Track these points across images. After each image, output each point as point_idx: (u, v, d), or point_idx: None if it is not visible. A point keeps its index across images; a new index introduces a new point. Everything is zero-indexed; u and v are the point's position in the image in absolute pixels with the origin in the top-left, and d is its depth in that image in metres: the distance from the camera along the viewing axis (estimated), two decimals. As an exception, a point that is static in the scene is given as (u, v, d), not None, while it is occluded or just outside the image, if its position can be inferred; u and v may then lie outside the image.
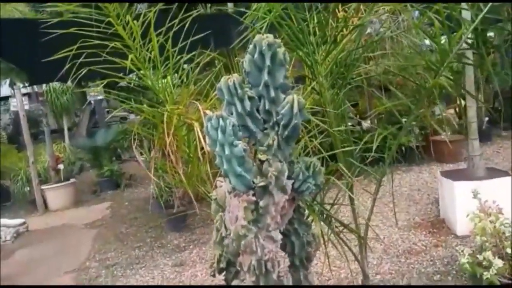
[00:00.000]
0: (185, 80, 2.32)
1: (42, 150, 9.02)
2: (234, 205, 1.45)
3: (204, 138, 1.79)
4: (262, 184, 1.44)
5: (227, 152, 1.39)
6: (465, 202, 3.32)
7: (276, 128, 1.50)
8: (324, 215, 1.87)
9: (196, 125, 1.85)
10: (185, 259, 4.45)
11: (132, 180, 8.66)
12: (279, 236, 1.56)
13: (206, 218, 5.68)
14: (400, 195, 5.37)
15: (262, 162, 1.48)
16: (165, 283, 3.92)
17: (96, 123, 12.23)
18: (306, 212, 1.84)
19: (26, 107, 8.35)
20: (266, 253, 1.46)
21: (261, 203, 1.44)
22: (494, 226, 2.73)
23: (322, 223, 1.89)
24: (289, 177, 1.49)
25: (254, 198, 1.44)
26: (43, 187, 7.63)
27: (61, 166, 7.80)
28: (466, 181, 3.83)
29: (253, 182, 1.47)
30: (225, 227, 1.58)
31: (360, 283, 2.06)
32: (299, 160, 1.58)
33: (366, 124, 6.25)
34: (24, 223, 6.48)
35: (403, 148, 6.68)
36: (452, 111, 7.88)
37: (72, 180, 8.10)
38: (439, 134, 6.71)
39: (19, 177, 7.94)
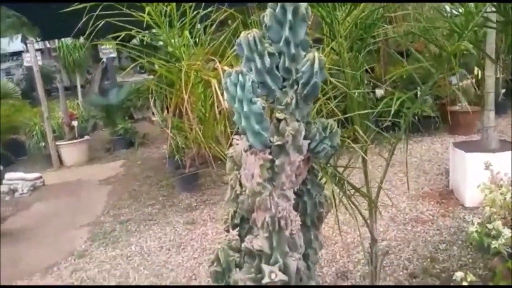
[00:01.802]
0: (200, 38, 2.29)
1: (56, 106, 9.15)
2: (250, 163, 1.48)
3: (222, 95, 1.79)
4: (278, 143, 1.46)
5: (245, 108, 1.40)
6: (476, 173, 3.32)
7: (295, 87, 1.49)
8: (337, 178, 1.90)
9: (214, 81, 1.85)
10: (196, 218, 4.58)
11: (146, 139, 8.77)
12: (293, 196, 1.60)
13: (217, 180, 5.79)
14: (410, 165, 5.37)
15: (279, 121, 1.49)
16: (177, 240, 4.06)
17: (108, 80, 12.26)
18: (320, 174, 1.86)
19: (39, 62, 8.37)
20: (280, 210, 1.49)
21: (277, 162, 1.46)
22: (505, 198, 2.74)
23: (334, 186, 1.92)
24: (305, 137, 1.50)
25: (270, 157, 1.46)
26: (58, 143, 7.79)
27: (75, 123, 7.92)
28: (478, 152, 3.81)
29: (270, 141, 1.48)
30: (240, 185, 1.62)
31: (367, 247, 2.12)
32: (316, 121, 1.59)
33: (380, 91, 6.17)
34: (40, 177, 6.67)
35: (417, 118, 6.62)
36: (469, 82, 7.71)
37: (86, 137, 8.24)
38: (454, 104, 6.61)
39: (34, 132, 8.10)
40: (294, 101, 1.49)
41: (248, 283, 1.52)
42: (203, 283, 3.21)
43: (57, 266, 3.78)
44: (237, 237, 1.65)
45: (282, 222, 1.50)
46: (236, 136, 1.62)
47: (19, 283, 3.53)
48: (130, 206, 5.22)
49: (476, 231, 2.18)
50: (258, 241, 1.53)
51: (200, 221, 4.51)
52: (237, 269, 1.57)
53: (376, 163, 4.18)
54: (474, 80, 7.50)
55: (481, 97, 5.26)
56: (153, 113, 9.81)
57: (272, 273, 1.49)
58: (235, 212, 1.69)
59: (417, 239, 3.49)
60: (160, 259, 3.69)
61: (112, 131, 8.70)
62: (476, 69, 6.85)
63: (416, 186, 4.65)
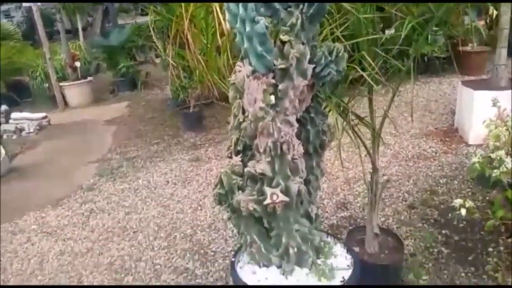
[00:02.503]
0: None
1: (58, 48, 8.98)
2: (253, 88, 1.46)
3: (224, 20, 1.73)
4: (282, 66, 1.43)
5: (248, 28, 1.36)
6: (483, 111, 3.28)
7: (301, 6, 1.44)
8: (341, 108, 1.88)
9: (216, 5, 1.78)
10: (201, 156, 4.66)
11: (149, 78, 8.69)
12: (296, 123, 1.60)
13: (221, 120, 5.81)
14: (416, 105, 5.33)
15: (283, 43, 1.44)
16: (182, 175, 4.16)
17: (109, 23, 11.97)
18: (324, 103, 1.84)
19: (39, 3, 8.10)
20: (282, 135, 1.50)
21: (280, 86, 1.45)
22: (509, 134, 2.73)
23: (338, 115, 1.91)
24: (310, 61, 1.46)
25: (273, 81, 1.44)
26: (61, 84, 7.76)
27: (77, 64, 7.82)
28: (486, 90, 3.75)
29: (274, 64, 1.45)
30: (243, 112, 1.62)
31: (368, 179, 2.15)
32: (322, 44, 1.55)
33: (389, 32, 5.95)
34: (46, 116, 6.72)
35: (426, 59, 6.46)
36: (482, 22, 7.41)
37: (89, 78, 8.18)
38: (466, 45, 6.40)
39: (37, 73, 8.03)
40: (299, 21, 1.43)
41: (250, 204, 1.57)
42: (208, 214, 3.33)
43: (67, 199, 3.91)
44: (240, 162, 1.68)
45: (285, 147, 1.52)
46: (239, 63, 1.59)
47: (31, 214, 3.68)
48: (136, 145, 5.29)
49: (478, 161, 2.20)
50: (260, 165, 1.56)
51: (205, 158, 4.58)
52: (240, 191, 1.62)
53: (382, 103, 4.16)
54: (488, 20, 7.21)
55: (493, 38, 5.07)
56: (156, 55, 9.65)
57: (274, 195, 1.53)
58: (237, 139, 1.71)
59: (418, 174, 3.55)
60: (167, 192, 3.81)
61: (115, 73, 8.61)
62: (491, 8, 6.55)
63: (420, 125, 4.65)
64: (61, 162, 5.03)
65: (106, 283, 2.62)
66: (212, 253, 2.82)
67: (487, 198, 2.97)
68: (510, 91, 3.72)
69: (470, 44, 6.54)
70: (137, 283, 2.58)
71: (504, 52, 3.91)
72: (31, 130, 6.38)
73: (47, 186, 4.32)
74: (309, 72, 1.48)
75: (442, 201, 3.08)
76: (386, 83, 1.81)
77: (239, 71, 1.62)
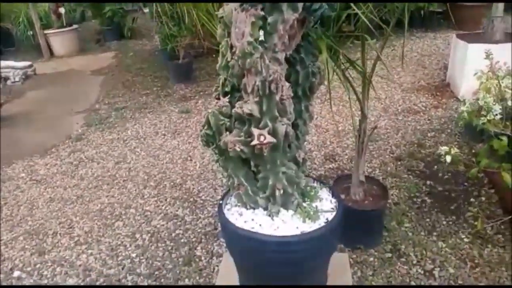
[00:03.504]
0: None
1: (41, -7, 8.56)
2: (241, 20, 1.40)
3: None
4: (271, -4, 1.37)
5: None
6: (476, 65, 3.25)
7: None
8: (332, 50, 1.84)
9: None
10: (190, 108, 4.61)
11: (135, 24, 8.39)
12: (284, 61, 1.55)
13: (211, 72, 5.70)
14: (410, 59, 5.27)
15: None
16: (172, 127, 4.13)
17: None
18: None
19: None
20: (270, 73, 1.46)
21: (270, 19, 1.39)
22: (500, 86, 2.73)
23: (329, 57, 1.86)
24: (301, -8, 1.40)
25: (262, 13, 1.38)
26: (46, 31, 7.47)
27: (62, 10, 7.49)
28: (481, 43, 3.69)
29: (263, -5, 1.39)
30: (231, 50, 1.57)
31: (356, 134, 2.14)
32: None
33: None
34: (31, 65, 6.53)
35: (422, 13, 6.32)
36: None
37: (74, 26, 7.87)
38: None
39: (20, 19, 7.69)
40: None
41: (238, 145, 1.56)
42: (198, 164, 3.34)
43: (55, 148, 3.88)
44: (227, 103, 1.65)
45: (273, 86, 1.49)
46: (227, -4, 1.52)
47: (20, 163, 3.66)
48: (124, 95, 5.20)
49: (467, 110, 2.20)
50: (248, 106, 1.53)
51: (195, 110, 4.54)
52: (227, 132, 1.60)
53: (375, 55, 4.10)
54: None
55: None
56: (143, 4, 9.27)
57: (261, 136, 1.52)
58: (225, 79, 1.67)
59: (407, 128, 3.57)
60: (156, 143, 3.79)
61: (101, 21, 8.29)
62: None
63: (412, 80, 4.62)
64: (49, 112, 4.95)
65: (96, 229, 2.66)
66: (201, 201, 2.86)
67: (473, 151, 3.01)
68: (505, 44, 3.68)
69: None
70: (127, 228, 2.62)
71: (501, 4, 3.82)
72: (17, 79, 6.21)
73: (34, 136, 4.27)
74: (300, 5, 1.42)
75: (428, 153, 3.12)
76: (378, 35, 1.75)
77: (227, 4, 1.55)
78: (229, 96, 1.69)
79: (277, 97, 1.52)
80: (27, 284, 2.26)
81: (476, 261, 2.12)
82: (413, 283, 2.02)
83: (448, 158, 1.97)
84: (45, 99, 5.46)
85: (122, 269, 2.28)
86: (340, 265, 1.97)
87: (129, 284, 2.17)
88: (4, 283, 2.29)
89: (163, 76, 5.82)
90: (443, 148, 1.96)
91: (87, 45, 8.17)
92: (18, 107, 5.26)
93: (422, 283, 2.02)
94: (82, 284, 2.21)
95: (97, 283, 2.20)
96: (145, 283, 2.17)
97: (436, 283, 2.01)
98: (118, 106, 4.84)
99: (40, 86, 6.00)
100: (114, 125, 4.30)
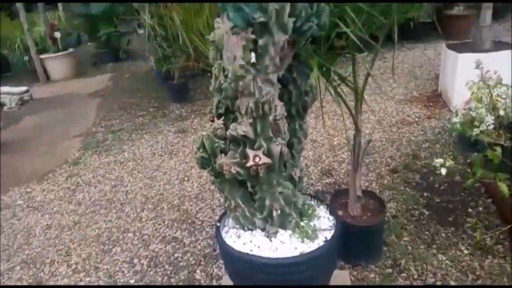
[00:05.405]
0: None
1: (36, 19, 8.66)
2: (232, 44, 1.43)
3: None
4: (262, 19, 1.38)
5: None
6: (467, 74, 3.29)
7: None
8: (324, 68, 1.86)
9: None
10: (187, 127, 4.63)
11: (130, 46, 8.47)
12: (277, 83, 1.57)
13: (207, 92, 5.73)
14: (401, 71, 5.33)
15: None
16: (169, 147, 4.14)
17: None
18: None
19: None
20: (263, 95, 1.48)
21: (260, 42, 1.41)
22: (491, 96, 2.76)
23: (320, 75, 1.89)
24: (290, 15, 1.43)
25: (253, 36, 1.41)
26: (42, 56, 7.53)
27: (57, 34, 7.58)
28: (471, 53, 3.75)
29: (253, 18, 1.41)
30: (223, 73, 1.59)
31: (350, 149, 2.15)
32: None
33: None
34: (27, 90, 6.56)
35: (411, 24, 6.40)
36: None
37: (70, 49, 7.95)
38: (451, 8, 6.35)
39: (16, 45, 7.77)
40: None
41: (233, 167, 1.57)
42: (195, 184, 3.34)
43: (52, 173, 3.88)
44: (222, 125, 1.66)
45: (266, 107, 1.50)
46: (218, 19, 1.55)
47: (16, 189, 3.65)
48: (121, 117, 5.22)
49: (460, 121, 2.22)
50: (242, 127, 1.55)
51: (191, 129, 4.56)
52: (222, 154, 1.61)
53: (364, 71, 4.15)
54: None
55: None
56: (138, 25, 9.39)
57: (256, 157, 1.53)
58: (219, 102, 1.69)
59: (401, 139, 3.58)
60: (153, 164, 3.80)
61: (96, 44, 8.38)
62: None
63: (405, 91, 4.66)
64: (45, 137, 4.95)
65: (93, 255, 2.63)
66: (199, 222, 2.84)
67: (468, 160, 3.02)
68: (495, 53, 3.74)
69: (455, 8, 6.50)
70: (125, 254, 2.60)
71: (489, 13, 3.88)
72: (13, 105, 6.24)
73: (31, 161, 4.27)
74: (290, 26, 1.45)
75: (424, 165, 3.13)
76: (366, 49, 1.78)
77: (218, 28, 1.57)
78: (223, 117, 1.71)
79: (271, 118, 1.53)
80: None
81: (477, 273, 2.11)
82: (415, 298, 2.00)
83: (443, 171, 1.98)
84: (42, 124, 5.47)
85: (122, 295, 2.26)
86: (341, 283, 1.96)
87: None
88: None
89: (159, 96, 5.85)
90: (438, 161, 1.97)
91: (83, 68, 8.24)
92: (15, 133, 5.26)
93: (424, 298, 2.00)
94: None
95: (97, 311, 2.18)
96: (145, 309, 2.14)
97: (438, 297, 2.00)
98: (115, 128, 4.85)
99: (36, 111, 6.02)
100: (111, 148, 4.30)
